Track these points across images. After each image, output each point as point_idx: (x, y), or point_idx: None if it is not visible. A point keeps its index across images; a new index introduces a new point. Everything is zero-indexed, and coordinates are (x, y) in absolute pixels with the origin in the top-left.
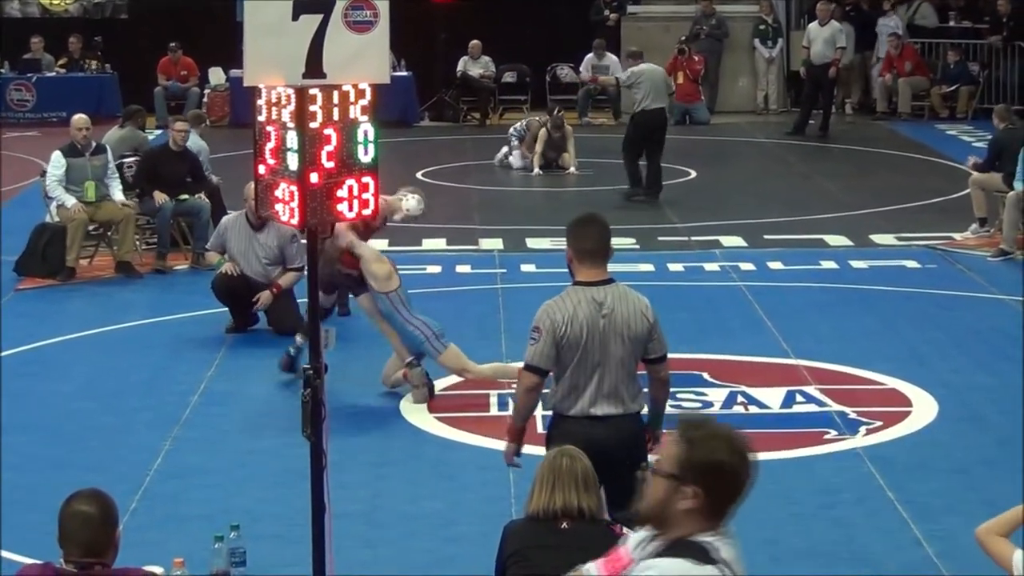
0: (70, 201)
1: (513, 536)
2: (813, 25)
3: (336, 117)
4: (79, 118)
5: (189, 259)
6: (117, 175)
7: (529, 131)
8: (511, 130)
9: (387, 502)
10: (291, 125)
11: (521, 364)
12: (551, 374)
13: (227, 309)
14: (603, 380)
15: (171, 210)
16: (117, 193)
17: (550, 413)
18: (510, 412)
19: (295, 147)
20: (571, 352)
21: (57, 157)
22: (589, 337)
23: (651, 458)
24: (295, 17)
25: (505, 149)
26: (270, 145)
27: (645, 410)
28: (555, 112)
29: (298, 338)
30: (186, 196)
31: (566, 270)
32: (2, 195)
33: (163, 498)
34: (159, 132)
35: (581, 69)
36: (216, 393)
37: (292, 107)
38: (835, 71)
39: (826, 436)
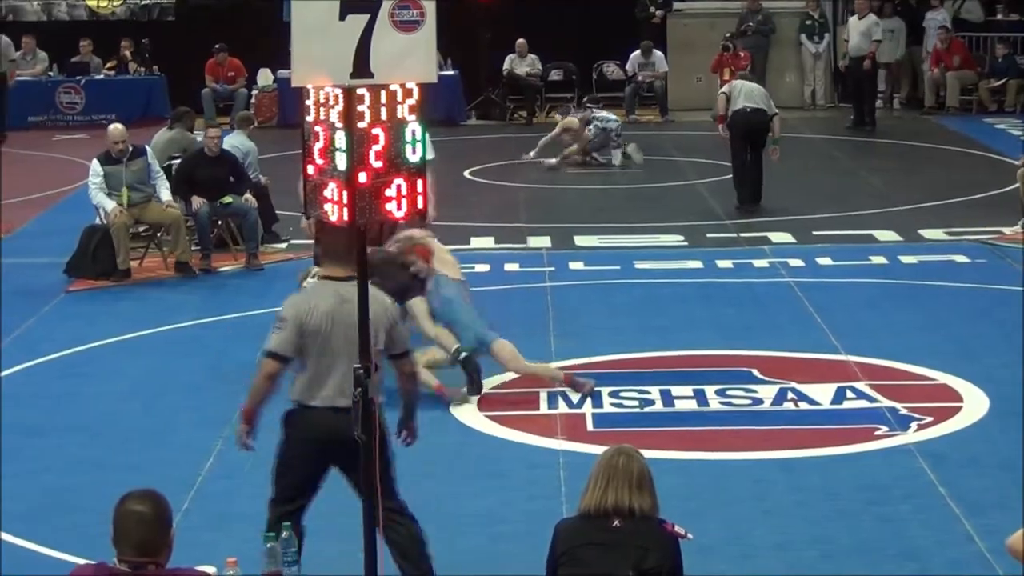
0: (109, 205)
1: (564, 535)
2: (853, 19)
3: (384, 117)
4: (115, 129)
5: (240, 259)
6: (163, 175)
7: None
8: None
9: (436, 500)
10: (339, 125)
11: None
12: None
13: None
14: (347, 372)
15: (208, 212)
16: (165, 193)
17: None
18: (559, 410)
19: (343, 147)
20: (314, 341)
21: (95, 165)
22: (333, 328)
23: None
24: (342, 17)
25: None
26: (318, 145)
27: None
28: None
29: None
30: (230, 199)
31: (615, 267)
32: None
33: (215, 497)
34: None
35: (627, 67)
36: None
37: (340, 107)
38: (869, 63)
39: (877, 432)
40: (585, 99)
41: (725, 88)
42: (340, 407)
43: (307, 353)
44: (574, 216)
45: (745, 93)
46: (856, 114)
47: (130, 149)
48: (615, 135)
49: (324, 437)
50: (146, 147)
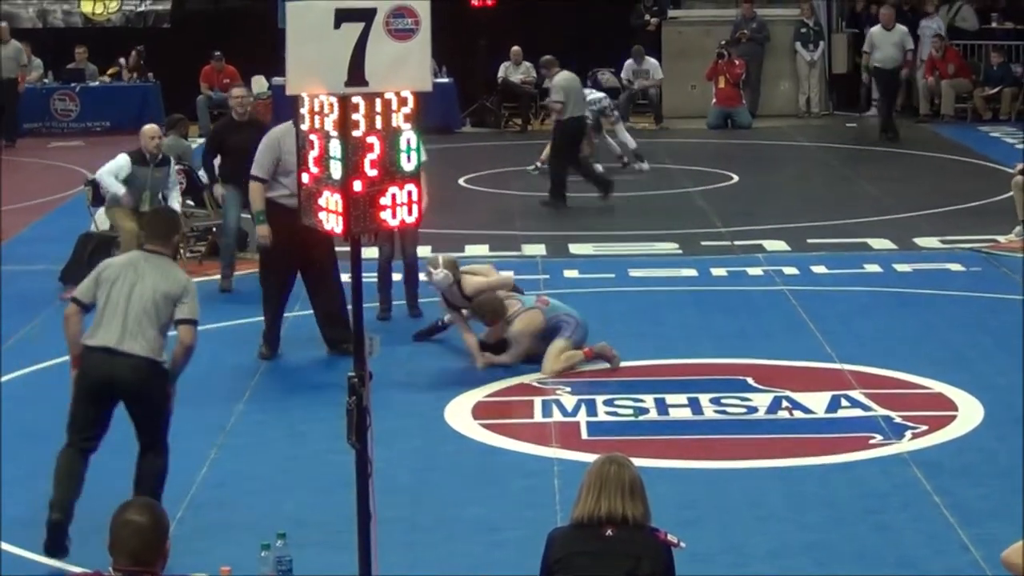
0: (121, 190)
1: (557, 543)
2: (876, 29)
3: (379, 125)
4: (151, 128)
5: (241, 268)
6: (177, 185)
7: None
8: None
9: (431, 508)
10: (334, 133)
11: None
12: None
13: (266, 316)
14: (126, 321)
15: (237, 223)
16: (175, 202)
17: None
18: (553, 418)
19: (338, 155)
20: (103, 292)
21: (124, 158)
22: (119, 281)
23: None
24: (337, 25)
25: None
26: (313, 154)
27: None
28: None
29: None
30: None
31: (609, 275)
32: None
33: (209, 506)
34: (202, 141)
35: (622, 74)
36: (261, 400)
37: (335, 115)
38: (907, 72)
39: (871, 441)
40: None
41: (561, 95)
42: (115, 350)
43: (97, 301)
44: (569, 224)
45: (579, 96)
46: (885, 122)
47: (160, 155)
48: (609, 110)
49: (97, 375)
50: (171, 158)
